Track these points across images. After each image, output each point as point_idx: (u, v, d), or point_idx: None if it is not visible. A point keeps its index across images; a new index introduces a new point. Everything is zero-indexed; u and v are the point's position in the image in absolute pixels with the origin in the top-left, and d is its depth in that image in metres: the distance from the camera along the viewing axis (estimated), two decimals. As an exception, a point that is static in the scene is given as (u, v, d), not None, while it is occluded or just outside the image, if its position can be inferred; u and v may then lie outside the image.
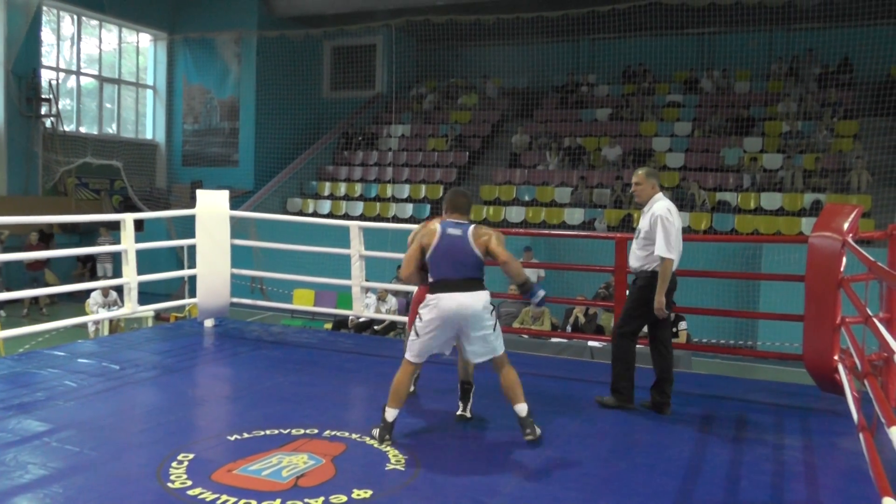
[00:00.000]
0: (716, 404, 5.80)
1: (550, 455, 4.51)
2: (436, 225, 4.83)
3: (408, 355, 4.82)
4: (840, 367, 5.41)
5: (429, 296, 4.77)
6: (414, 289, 5.92)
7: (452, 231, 4.78)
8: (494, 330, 4.78)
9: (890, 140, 16.27)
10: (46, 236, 16.87)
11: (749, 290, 13.92)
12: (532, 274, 13.29)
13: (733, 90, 19.61)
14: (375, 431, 4.69)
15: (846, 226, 5.41)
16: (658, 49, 20.08)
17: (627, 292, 5.87)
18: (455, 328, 4.72)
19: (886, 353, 4.70)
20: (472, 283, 4.74)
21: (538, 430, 4.74)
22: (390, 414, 4.68)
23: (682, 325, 10.25)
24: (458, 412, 5.23)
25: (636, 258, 5.52)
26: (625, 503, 3.88)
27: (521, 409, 4.73)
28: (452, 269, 4.73)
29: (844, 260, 5.38)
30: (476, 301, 4.69)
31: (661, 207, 5.38)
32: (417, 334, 4.77)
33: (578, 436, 4.90)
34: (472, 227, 4.83)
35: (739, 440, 4.92)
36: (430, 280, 4.81)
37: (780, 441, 4.91)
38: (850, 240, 5.27)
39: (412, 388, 5.51)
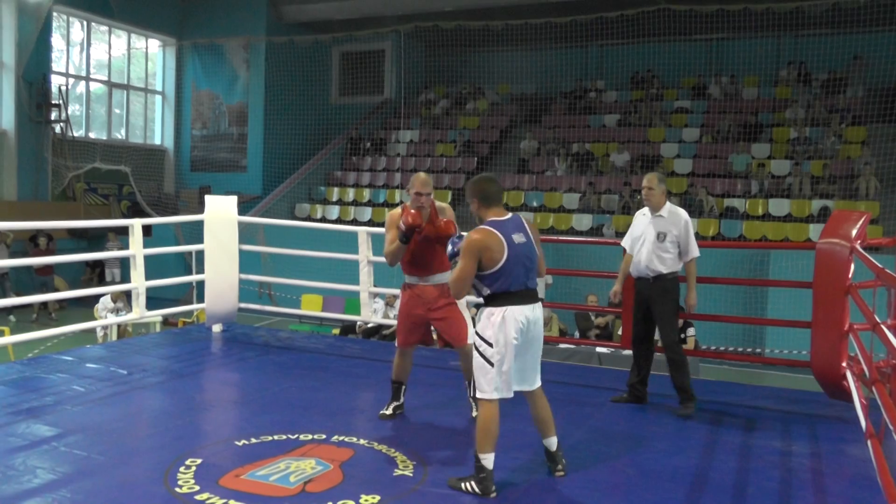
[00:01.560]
0: (724, 411, 5.79)
1: (557, 461, 4.50)
2: (492, 232, 4.03)
3: (486, 395, 4.02)
4: (848, 374, 5.40)
5: (492, 308, 4.04)
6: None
7: (517, 238, 4.10)
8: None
9: (898, 146, 16.22)
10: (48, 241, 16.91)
11: (757, 297, 13.88)
12: (540, 280, 13.28)
13: (741, 96, 19.57)
14: (470, 485, 3.99)
15: (854, 232, 5.40)
16: (666, 55, 20.05)
17: (638, 298, 5.85)
18: (527, 348, 4.12)
19: (894, 359, 4.68)
20: (535, 293, 4.21)
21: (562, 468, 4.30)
22: (489, 461, 4.00)
23: (691, 331, 10.23)
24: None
25: (660, 261, 5.65)
26: (632, 510, 3.88)
27: (552, 442, 4.31)
28: (525, 278, 4.12)
29: (852, 266, 5.37)
30: (541, 315, 4.21)
31: (684, 212, 5.72)
32: (492, 364, 3.99)
33: (586, 442, 4.90)
34: (525, 223, 4.22)
35: (747, 447, 4.91)
36: (488, 293, 4.06)
37: (787, 448, 4.90)
38: (857, 246, 5.27)
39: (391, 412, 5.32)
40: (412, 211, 4.87)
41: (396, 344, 5.35)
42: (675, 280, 5.71)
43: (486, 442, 3.98)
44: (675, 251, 5.65)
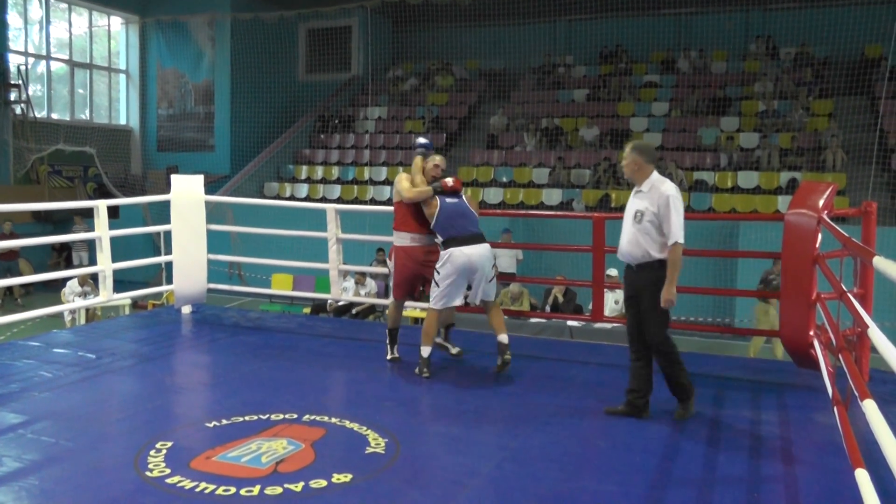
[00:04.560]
0: (694, 382, 5.80)
1: (530, 435, 4.53)
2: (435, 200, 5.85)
3: (432, 304, 5.80)
4: (815, 343, 5.46)
5: (442, 252, 5.73)
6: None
7: (450, 199, 5.84)
8: (493, 280, 5.87)
9: (864, 119, 16.40)
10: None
11: (726, 268, 14.02)
12: (510, 256, 13.33)
13: (710, 70, 19.66)
14: (416, 369, 5.76)
15: (821, 203, 5.45)
16: (635, 29, 20.06)
17: (627, 289, 5.05)
18: (467, 277, 5.72)
19: (860, 327, 4.74)
20: (477, 237, 5.79)
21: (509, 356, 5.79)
22: (425, 350, 5.75)
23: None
24: (439, 340, 6.30)
25: (636, 245, 4.83)
26: (604, 481, 3.90)
27: (503, 338, 5.78)
28: (457, 229, 5.73)
29: (820, 237, 5.41)
30: (483, 252, 5.74)
31: (670, 187, 4.79)
32: (438, 285, 5.73)
33: (558, 415, 4.91)
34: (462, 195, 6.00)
35: (717, 417, 4.95)
36: (441, 239, 5.77)
37: (756, 417, 4.96)
38: (825, 217, 5.31)
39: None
40: (455, 179, 5.99)
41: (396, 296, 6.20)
42: (661, 267, 4.79)
43: (425, 338, 5.77)
44: (658, 234, 4.76)
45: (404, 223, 6.05)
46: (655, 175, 4.88)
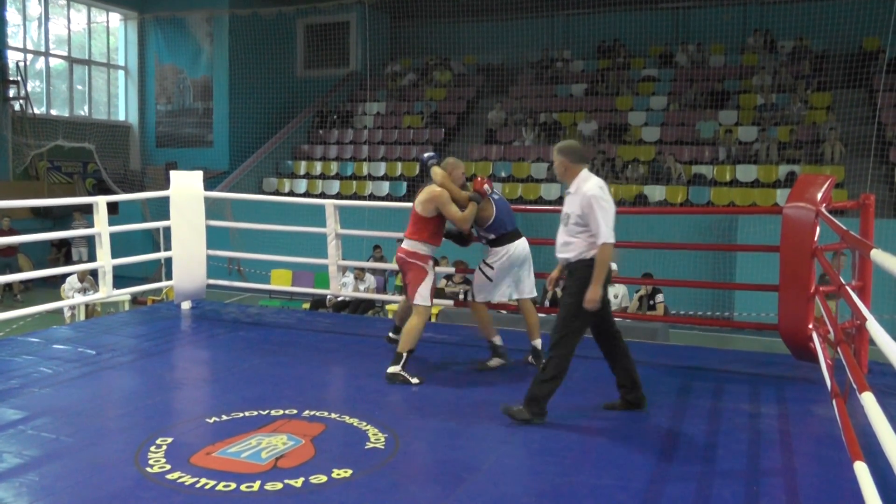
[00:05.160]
0: (693, 375, 5.85)
1: (529, 430, 4.53)
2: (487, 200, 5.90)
3: (479, 298, 6.01)
4: (814, 336, 5.47)
5: (497, 248, 5.88)
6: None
7: (496, 197, 6.00)
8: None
9: (862, 112, 16.39)
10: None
11: (725, 262, 14.03)
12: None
13: (708, 64, 19.63)
14: (495, 361, 5.95)
15: (820, 196, 5.45)
16: (632, 24, 20.04)
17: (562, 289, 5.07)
18: (518, 270, 5.93)
19: (858, 320, 4.75)
20: (520, 232, 6.01)
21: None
22: (498, 339, 6.02)
23: (660, 297, 10.33)
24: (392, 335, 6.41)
25: (567, 247, 4.78)
26: (603, 475, 3.90)
27: (538, 343, 5.97)
28: (511, 223, 5.97)
29: (818, 230, 5.42)
30: (528, 246, 6.00)
31: (592, 186, 4.66)
32: (490, 280, 5.89)
33: (557, 410, 4.91)
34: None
35: (716, 410, 4.96)
36: (493, 236, 5.90)
37: (756, 410, 4.96)
38: (823, 210, 5.31)
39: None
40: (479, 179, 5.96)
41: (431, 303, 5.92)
42: (590, 268, 4.65)
43: (489, 330, 6.02)
44: (588, 234, 4.68)
45: (433, 237, 5.87)
46: (583, 174, 4.79)
